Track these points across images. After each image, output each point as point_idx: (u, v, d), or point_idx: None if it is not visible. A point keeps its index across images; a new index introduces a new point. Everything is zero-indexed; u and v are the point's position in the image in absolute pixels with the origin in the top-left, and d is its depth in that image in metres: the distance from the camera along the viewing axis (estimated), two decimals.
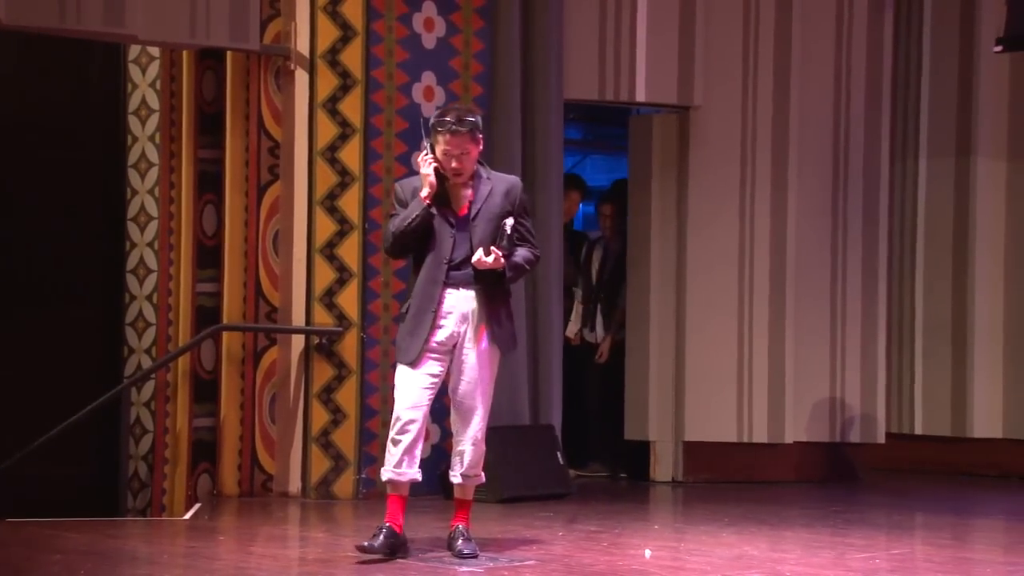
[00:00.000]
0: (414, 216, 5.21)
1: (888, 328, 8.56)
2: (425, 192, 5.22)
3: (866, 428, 8.39)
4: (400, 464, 5.24)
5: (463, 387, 5.28)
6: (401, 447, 5.23)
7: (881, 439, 8.44)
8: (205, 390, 7.43)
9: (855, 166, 8.37)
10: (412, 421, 5.21)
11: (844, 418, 8.35)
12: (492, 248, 5.16)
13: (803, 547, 5.82)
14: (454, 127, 5.18)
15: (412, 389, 5.22)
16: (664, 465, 8.12)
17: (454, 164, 5.21)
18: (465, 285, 5.23)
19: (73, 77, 8.09)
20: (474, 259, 5.18)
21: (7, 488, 7.21)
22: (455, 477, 5.37)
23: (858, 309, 8.36)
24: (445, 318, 5.24)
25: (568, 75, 7.79)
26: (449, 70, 7.42)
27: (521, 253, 5.30)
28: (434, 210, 5.22)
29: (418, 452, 5.26)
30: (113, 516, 7.24)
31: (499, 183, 5.32)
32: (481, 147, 5.30)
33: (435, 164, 5.23)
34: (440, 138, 5.22)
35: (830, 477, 8.30)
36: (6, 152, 7.95)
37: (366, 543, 5.21)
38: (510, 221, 5.24)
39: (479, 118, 5.31)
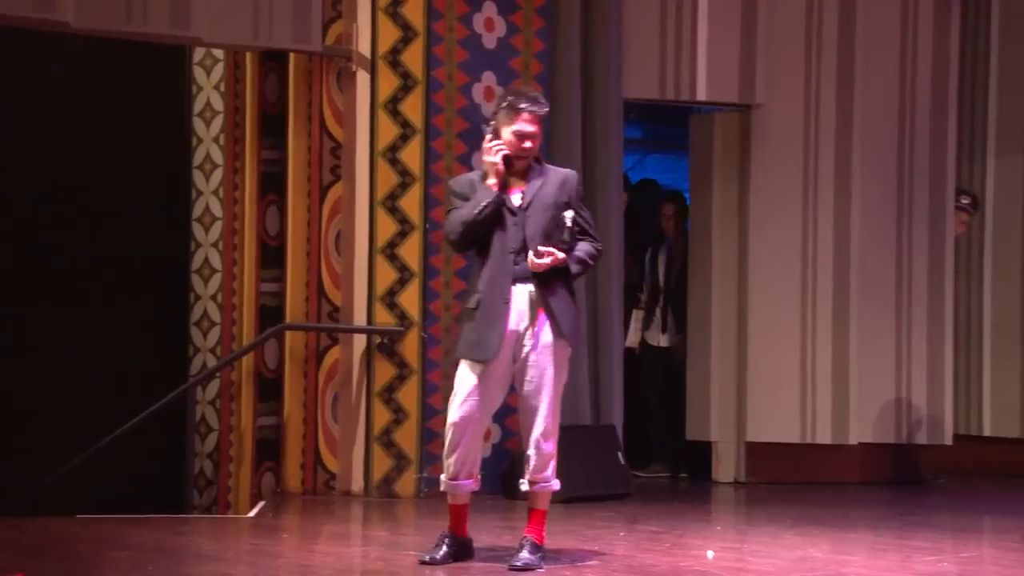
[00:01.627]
0: (484, 204, 5.04)
1: (955, 327, 8.45)
2: (493, 180, 5.08)
3: (933, 429, 8.29)
4: (456, 476, 5.10)
5: (526, 387, 5.07)
6: (455, 458, 5.07)
7: (948, 440, 8.34)
8: (269, 389, 7.49)
9: (920, 164, 8.28)
10: (464, 432, 5.05)
11: (910, 419, 8.26)
12: (541, 249, 5.00)
13: (868, 549, 5.77)
14: (537, 105, 5.07)
15: (472, 395, 5.03)
16: (726, 465, 8.08)
17: (527, 144, 5.07)
18: (524, 279, 5.07)
19: (139, 79, 8.19)
20: (528, 263, 5.02)
21: (76, 485, 7.31)
22: (522, 484, 5.17)
23: (924, 308, 8.27)
24: (511, 312, 5.06)
25: (628, 74, 7.77)
26: (509, 70, 7.42)
27: (583, 247, 5.14)
28: (504, 197, 5.07)
29: (477, 461, 5.09)
30: (179, 513, 7.32)
31: (554, 174, 5.18)
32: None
33: (503, 151, 5.11)
34: (518, 118, 5.06)
35: (895, 479, 8.21)
36: (73, 154, 8.07)
37: (427, 556, 5.12)
38: (570, 213, 5.09)
39: None
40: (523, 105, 5.09)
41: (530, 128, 5.09)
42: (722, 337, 8.07)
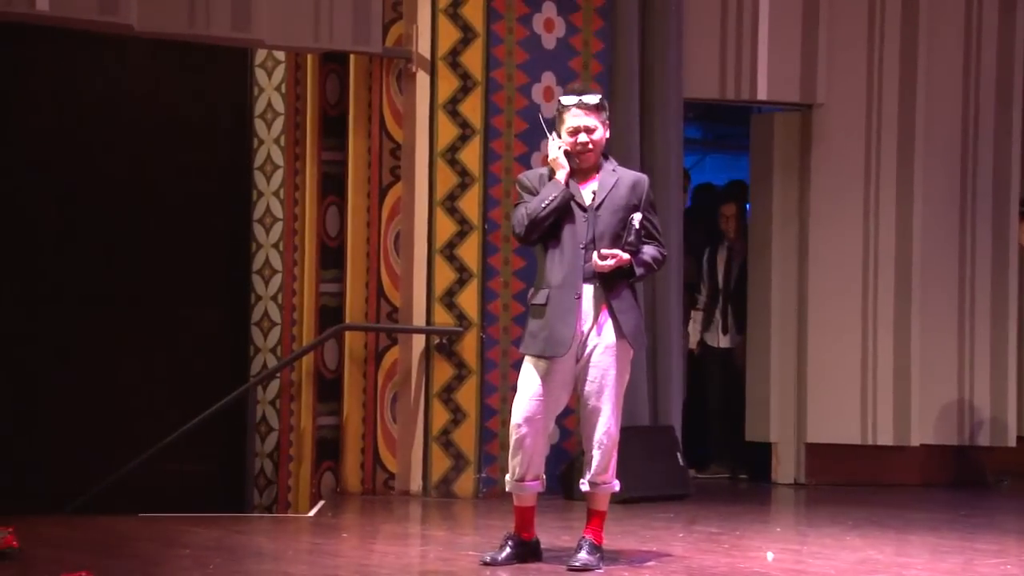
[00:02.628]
0: (552, 197, 5.02)
1: (1019, 327, 8.34)
2: (561, 174, 5.06)
3: (996, 431, 8.20)
4: (522, 477, 5.06)
5: (588, 387, 5.03)
6: (519, 459, 5.04)
7: (1012, 442, 8.24)
8: (328, 389, 7.54)
9: (984, 161, 8.19)
10: (528, 432, 5.01)
11: (973, 420, 8.17)
12: (605, 252, 5.00)
13: (930, 552, 5.71)
14: (584, 101, 5.06)
15: (536, 394, 5.01)
16: (786, 467, 8.03)
17: (582, 137, 5.06)
18: (589, 279, 5.04)
19: (201, 82, 8.27)
20: (592, 263, 5.00)
21: (139, 484, 7.40)
22: (583, 484, 5.14)
23: (987, 308, 8.18)
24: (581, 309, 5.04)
25: (688, 74, 7.74)
26: (569, 70, 7.42)
27: (648, 251, 5.10)
28: (572, 193, 5.05)
29: (541, 462, 5.06)
30: (240, 512, 7.38)
31: (625, 176, 5.15)
32: (608, 131, 5.14)
33: (563, 147, 5.09)
34: (567, 114, 5.07)
35: (958, 481, 8.12)
36: (136, 155, 8.17)
37: (488, 557, 5.10)
38: (638, 216, 5.05)
39: (605, 101, 5.17)
40: (567, 101, 5.10)
41: (581, 121, 5.06)
42: (782, 338, 8.03)
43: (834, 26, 7.94)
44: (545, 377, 5.03)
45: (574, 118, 5.08)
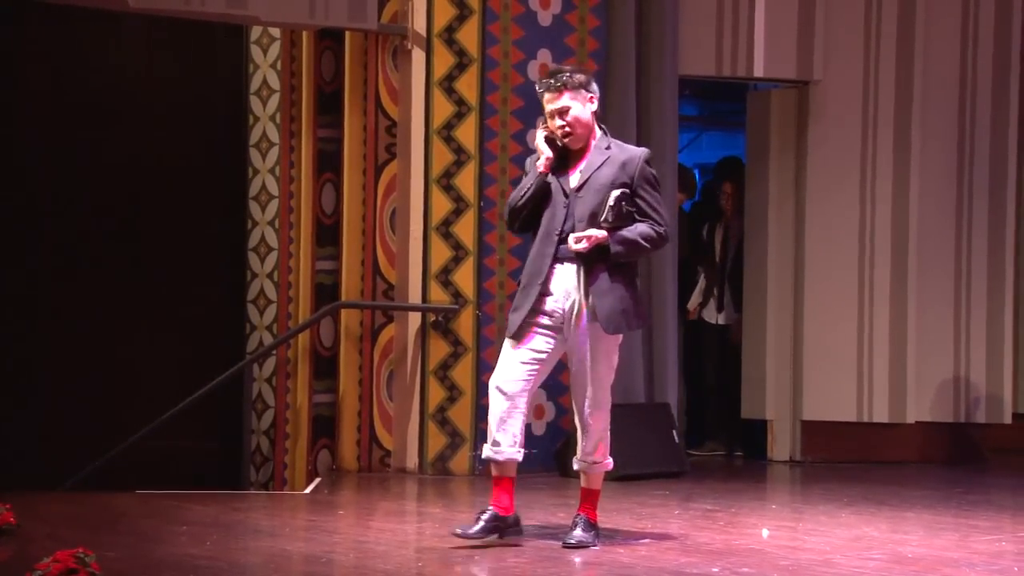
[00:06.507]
0: (528, 186, 5.06)
1: (1015, 304, 8.35)
2: (540, 161, 5.06)
3: (992, 408, 8.21)
4: (497, 443, 5.03)
5: (574, 368, 5.05)
6: (494, 423, 5.02)
7: (1007, 419, 8.26)
8: (324, 366, 7.54)
9: (981, 139, 8.18)
10: (502, 397, 5.00)
11: (968, 397, 8.18)
12: (578, 235, 4.95)
13: (925, 528, 5.73)
14: (548, 83, 5.05)
15: (508, 364, 5.02)
16: (782, 444, 8.05)
17: (558, 121, 5.03)
18: (570, 259, 5.02)
19: (196, 59, 8.25)
20: (569, 244, 4.98)
21: (136, 461, 7.41)
22: (575, 463, 5.15)
23: (983, 285, 8.18)
24: (552, 293, 5.03)
25: (684, 51, 7.72)
26: (565, 47, 7.40)
27: (638, 228, 5.01)
28: (551, 179, 5.04)
29: (516, 429, 5.01)
30: (236, 489, 7.40)
31: (619, 153, 5.09)
32: (594, 106, 5.08)
33: (547, 132, 5.08)
34: (542, 100, 5.07)
35: (953, 458, 8.14)
36: (132, 133, 8.15)
37: (459, 530, 5.04)
38: (616, 192, 4.98)
39: (588, 76, 5.10)
40: (540, 88, 5.10)
41: (555, 105, 5.04)
42: (778, 315, 8.03)
43: (831, 2, 7.92)
44: (516, 352, 5.03)
45: (547, 103, 5.08)
